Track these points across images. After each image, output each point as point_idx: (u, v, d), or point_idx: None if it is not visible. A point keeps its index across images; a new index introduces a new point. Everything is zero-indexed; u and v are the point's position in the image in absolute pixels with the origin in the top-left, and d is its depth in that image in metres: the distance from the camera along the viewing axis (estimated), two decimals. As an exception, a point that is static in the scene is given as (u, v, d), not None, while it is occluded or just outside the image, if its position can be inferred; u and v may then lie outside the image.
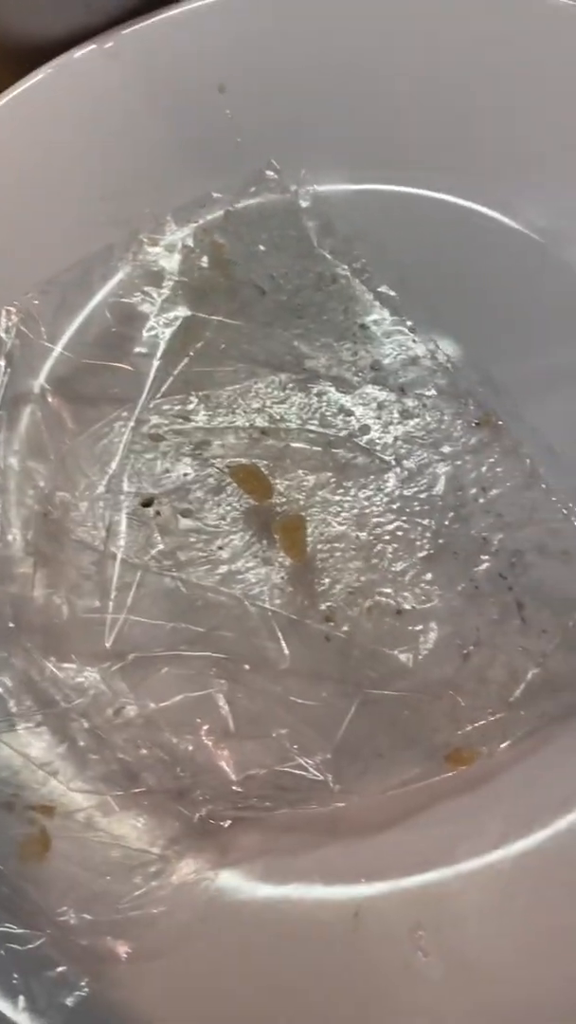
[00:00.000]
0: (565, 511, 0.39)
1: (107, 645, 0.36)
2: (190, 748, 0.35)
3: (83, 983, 0.32)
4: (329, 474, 0.40)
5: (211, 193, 0.46)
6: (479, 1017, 0.32)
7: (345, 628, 0.37)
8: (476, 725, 0.36)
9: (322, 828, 0.36)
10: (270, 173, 0.46)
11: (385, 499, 0.40)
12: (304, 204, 0.45)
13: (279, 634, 0.36)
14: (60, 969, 0.33)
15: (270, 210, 0.45)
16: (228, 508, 0.40)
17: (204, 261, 0.44)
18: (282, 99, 0.46)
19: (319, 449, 0.41)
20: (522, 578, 0.38)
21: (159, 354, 0.42)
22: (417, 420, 0.41)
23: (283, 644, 0.36)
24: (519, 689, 0.36)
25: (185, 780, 0.34)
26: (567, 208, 0.44)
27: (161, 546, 0.38)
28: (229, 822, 0.35)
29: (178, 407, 0.41)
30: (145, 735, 0.36)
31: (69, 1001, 0.32)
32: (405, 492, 0.40)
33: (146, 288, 0.43)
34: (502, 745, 0.35)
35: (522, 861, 0.34)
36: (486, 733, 0.36)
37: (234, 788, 0.34)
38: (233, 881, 0.35)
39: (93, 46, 0.45)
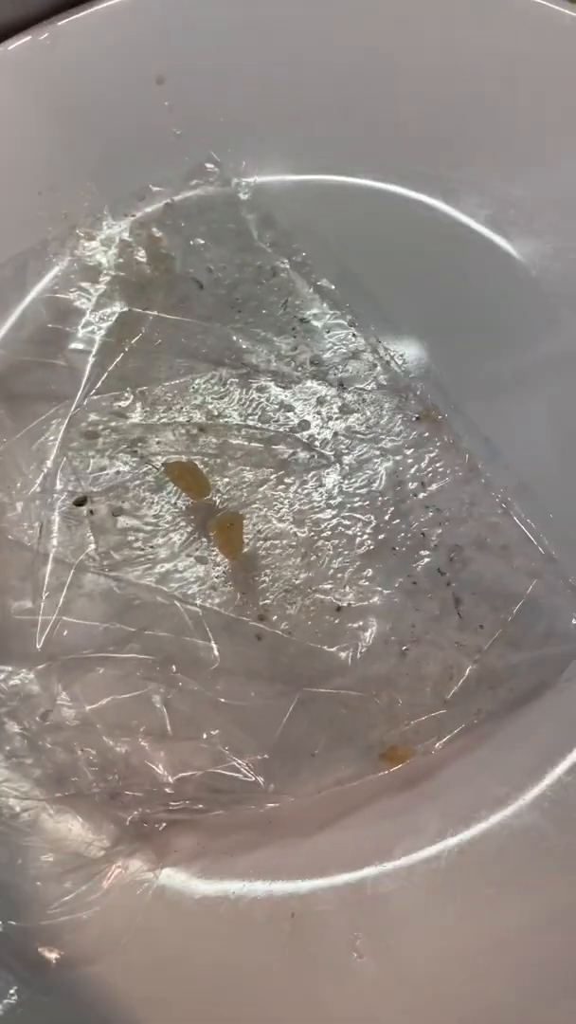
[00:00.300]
0: (504, 506, 0.39)
1: (38, 647, 0.35)
2: (124, 750, 0.35)
3: (12, 991, 0.32)
4: (269, 470, 0.40)
5: (150, 186, 0.45)
6: (410, 1016, 0.32)
7: (284, 626, 0.37)
8: (413, 723, 0.35)
9: (258, 829, 0.35)
10: (210, 166, 0.45)
11: (325, 495, 0.39)
12: (244, 197, 0.45)
13: (209, 634, 0.35)
14: (-12, 977, 0.32)
15: (209, 203, 0.45)
16: (166, 506, 0.39)
17: (141, 255, 0.43)
18: (222, 90, 0.45)
19: (259, 445, 0.40)
20: (461, 573, 0.38)
21: (95, 350, 0.41)
22: (357, 415, 0.41)
23: (213, 644, 0.35)
24: (455, 686, 0.36)
25: (117, 783, 0.34)
26: (510, 198, 0.44)
27: (95, 545, 0.37)
28: (164, 825, 0.35)
29: (114, 404, 0.40)
30: (79, 738, 0.35)
31: (-2, 1009, 0.32)
32: (345, 488, 0.40)
33: (82, 283, 0.43)
34: (438, 744, 0.35)
35: (458, 859, 0.34)
36: (422, 731, 0.35)
37: (166, 790, 0.34)
38: (169, 884, 0.35)
39: (28, 38, 0.44)
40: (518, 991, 0.33)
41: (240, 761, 0.34)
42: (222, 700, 0.35)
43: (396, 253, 0.44)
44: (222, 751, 0.35)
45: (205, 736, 0.34)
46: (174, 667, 0.35)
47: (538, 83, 0.43)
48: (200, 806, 0.34)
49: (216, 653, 0.35)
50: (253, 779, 0.34)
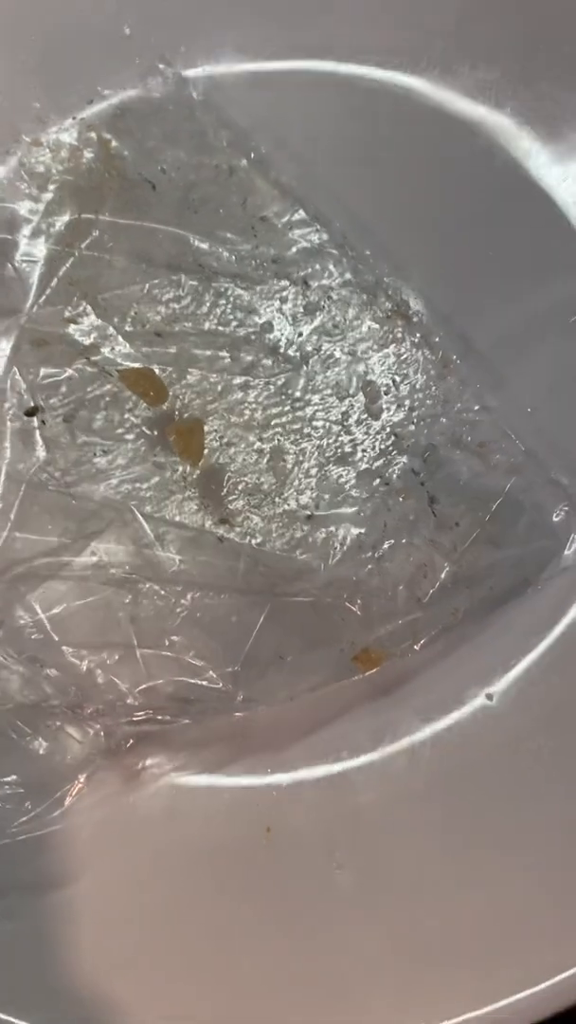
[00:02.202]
0: (481, 402, 0.37)
1: (-10, 561, 0.34)
2: (85, 664, 0.33)
3: (-28, 914, 0.30)
4: (232, 376, 0.38)
5: (99, 89, 0.43)
6: (392, 926, 0.30)
7: (255, 538, 0.35)
8: (387, 627, 0.34)
9: (231, 742, 0.34)
10: (162, 66, 0.43)
11: (291, 399, 0.38)
12: (198, 96, 0.42)
13: (171, 545, 0.34)
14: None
15: (161, 104, 0.42)
16: (122, 416, 0.37)
17: (91, 159, 0.41)
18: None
19: (222, 352, 0.38)
20: (436, 473, 0.36)
21: (42, 259, 0.39)
22: (323, 314, 0.39)
23: (175, 555, 0.34)
24: (432, 587, 0.34)
25: (76, 695, 0.32)
26: (480, 83, 0.41)
27: (46, 457, 0.36)
28: (131, 741, 0.33)
29: (65, 311, 0.38)
30: (37, 650, 0.33)
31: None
32: (312, 391, 0.38)
33: (30, 191, 0.40)
34: (415, 645, 0.33)
35: (437, 764, 0.33)
36: (398, 634, 0.34)
37: (129, 701, 0.32)
38: (140, 802, 0.34)
39: None
40: (501, 896, 0.31)
41: (208, 670, 0.32)
42: (188, 610, 0.33)
43: (362, 144, 0.41)
44: (189, 661, 0.33)
45: (169, 643, 0.33)
46: (135, 576, 0.33)
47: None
48: (166, 717, 0.32)
49: (179, 563, 0.34)
50: (222, 687, 0.32)
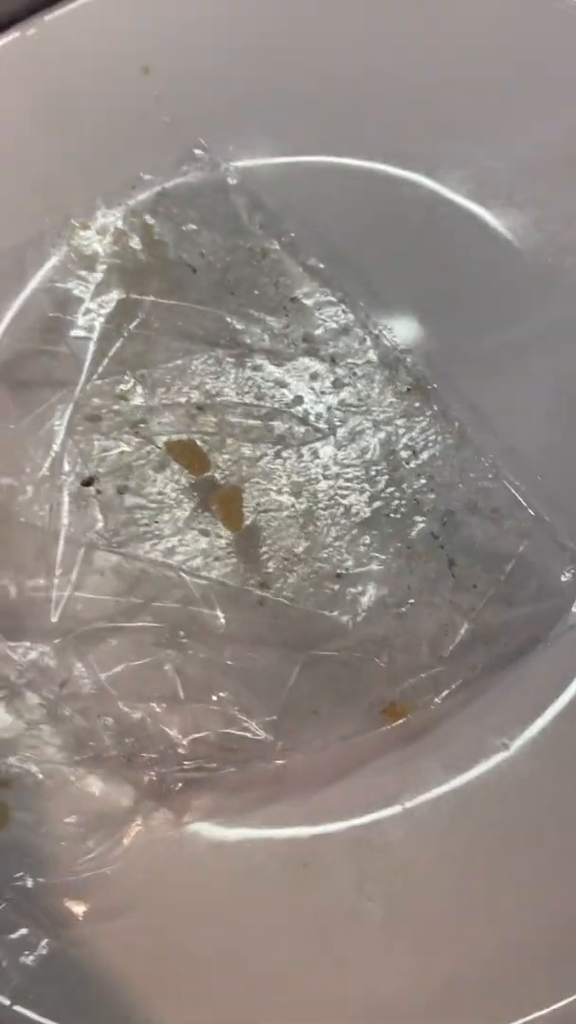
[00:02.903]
0: (494, 471, 0.40)
1: (53, 620, 0.37)
2: (139, 716, 0.37)
3: (43, 943, 0.34)
4: (267, 445, 0.41)
5: (141, 175, 0.46)
6: (419, 956, 0.34)
7: (287, 594, 0.39)
8: (411, 680, 0.37)
9: (270, 786, 0.37)
10: (199, 152, 0.47)
11: (321, 467, 0.41)
12: (232, 181, 0.46)
13: (215, 603, 0.37)
14: (20, 932, 0.34)
15: (199, 189, 0.46)
16: (169, 483, 0.41)
17: (136, 242, 0.44)
18: (207, 77, 0.46)
19: (256, 422, 0.42)
20: (454, 537, 0.40)
21: (95, 336, 0.42)
22: (349, 388, 0.42)
23: (219, 612, 0.37)
24: (452, 643, 0.38)
25: (133, 746, 0.36)
26: (490, 171, 0.45)
27: (103, 523, 0.39)
28: (180, 785, 0.37)
29: (116, 387, 0.42)
30: (96, 705, 0.37)
31: (30, 961, 0.34)
32: (340, 459, 0.41)
33: (80, 272, 0.44)
34: (437, 698, 0.37)
35: (460, 807, 0.36)
36: (421, 687, 0.37)
37: (180, 751, 0.36)
38: (187, 841, 0.37)
39: (16, 34, 0.45)
40: (522, 931, 0.35)
41: (250, 721, 0.36)
42: (230, 664, 0.37)
43: (382, 230, 0.45)
44: (232, 713, 0.36)
45: (215, 699, 0.36)
46: (182, 634, 0.37)
47: (514, 58, 0.44)
48: (213, 765, 0.36)
49: (222, 620, 0.37)
50: (263, 737, 0.36)
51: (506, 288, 0.43)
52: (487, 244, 0.44)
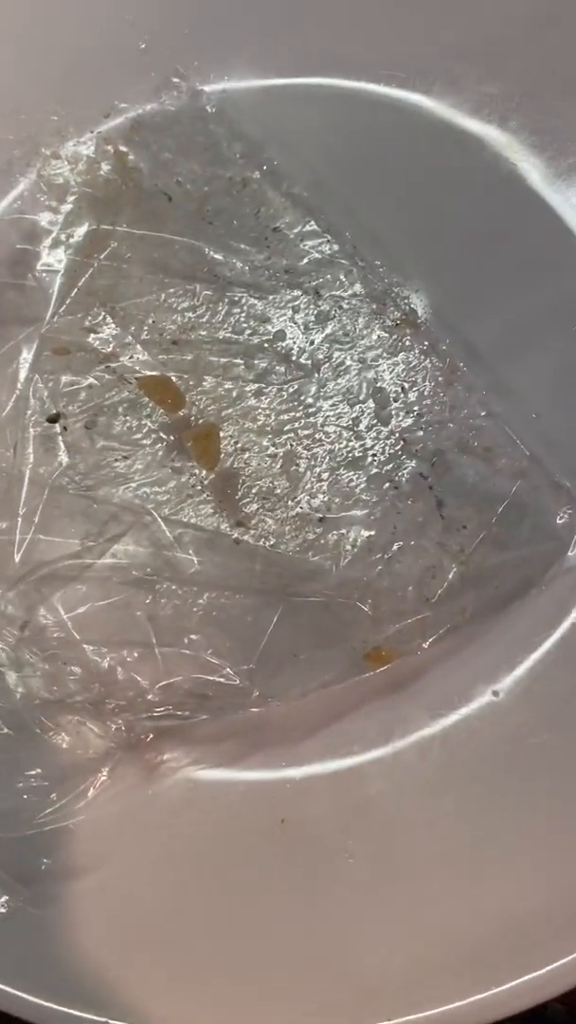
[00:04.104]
0: (486, 409, 0.38)
1: (16, 562, 0.35)
2: (107, 662, 0.35)
3: (2, 900, 0.32)
4: (246, 383, 0.39)
5: (116, 103, 0.44)
6: (405, 916, 0.32)
7: (268, 540, 0.36)
8: (397, 625, 0.35)
9: (246, 736, 0.35)
10: (176, 80, 0.44)
11: (303, 405, 0.39)
12: (211, 109, 0.43)
13: (190, 546, 0.35)
14: (-22, 888, 0.32)
15: (176, 117, 0.43)
16: (140, 422, 0.38)
17: (108, 171, 0.42)
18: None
19: (235, 359, 0.40)
20: (443, 477, 0.37)
21: (63, 268, 0.40)
22: (334, 323, 0.40)
23: (193, 556, 0.35)
24: (440, 588, 0.35)
25: (100, 692, 0.33)
26: (483, 97, 0.42)
27: (68, 462, 0.37)
28: (151, 735, 0.35)
29: (85, 321, 0.39)
30: (61, 649, 0.35)
31: (-11, 919, 0.32)
32: (324, 397, 0.39)
33: (49, 203, 0.42)
34: (424, 644, 0.35)
35: (446, 757, 0.34)
36: (407, 632, 0.35)
37: (150, 697, 0.33)
38: (157, 794, 0.35)
39: (-19, -48, 0.43)
40: (511, 885, 0.33)
41: (224, 667, 0.34)
42: (203, 607, 0.35)
43: (372, 157, 0.43)
44: (206, 658, 0.34)
45: (187, 641, 0.34)
46: (154, 575, 0.35)
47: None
48: (186, 712, 0.34)
49: (197, 564, 0.35)
50: (238, 683, 0.34)
51: (499, 215, 0.41)
52: (486, 167, 0.41)
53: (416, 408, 0.39)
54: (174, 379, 0.39)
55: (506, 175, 0.42)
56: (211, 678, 0.34)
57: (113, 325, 0.40)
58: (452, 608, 0.35)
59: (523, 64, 0.41)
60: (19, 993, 0.31)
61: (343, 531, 0.37)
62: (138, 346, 0.39)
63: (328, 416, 0.39)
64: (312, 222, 0.41)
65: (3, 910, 0.32)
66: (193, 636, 0.35)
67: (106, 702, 0.33)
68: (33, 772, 0.34)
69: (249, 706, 0.34)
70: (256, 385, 0.39)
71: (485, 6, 0.42)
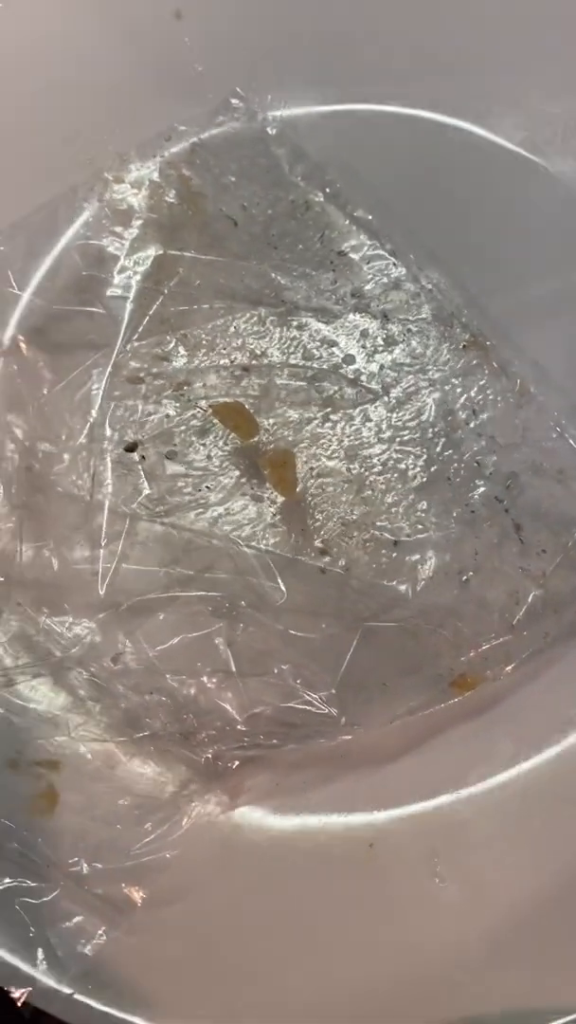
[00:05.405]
0: (559, 430, 0.38)
1: (100, 593, 0.35)
2: (192, 691, 0.35)
3: (100, 931, 0.32)
4: (316, 408, 0.39)
5: (175, 126, 0.44)
6: (495, 937, 0.32)
7: (341, 562, 0.37)
8: (479, 650, 0.35)
9: (332, 763, 0.35)
10: (235, 101, 0.44)
11: (374, 429, 0.39)
12: (272, 131, 0.43)
13: (275, 571, 0.35)
14: (76, 919, 0.32)
15: (237, 139, 0.43)
16: (214, 449, 0.39)
17: (172, 196, 0.42)
18: (242, 21, 0.44)
19: (304, 383, 0.40)
20: (518, 500, 0.38)
21: (132, 295, 0.40)
22: (402, 346, 0.40)
23: (279, 581, 0.35)
24: (521, 611, 0.36)
25: (189, 722, 0.34)
26: (546, 117, 0.42)
27: (148, 491, 0.37)
28: (237, 763, 0.35)
29: (156, 348, 0.40)
30: (147, 681, 0.35)
31: (87, 950, 0.32)
32: (394, 421, 0.39)
33: (114, 228, 0.42)
34: (507, 668, 0.35)
35: (534, 782, 0.34)
36: (490, 657, 0.35)
37: (239, 728, 0.34)
38: (246, 821, 0.35)
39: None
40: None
41: (312, 695, 0.34)
42: (290, 632, 0.35)
43: (431, 180, 0.43)
44: (292, 685, 0.35)
45: (275, 671, 0.34)
46: (243, 604, 0.35)
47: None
48: (273, 741, 0.34)
49: (283, 589, 0.35)
50: (326, 711, 0.34)
51: (564, 236, 0.41)
52: (542, 192, 0.42)
53: (488, 430, 0.39)
54: (246, 405, 0.39)
55: (566, 197, 0.42)
56: (299, 706, 0.34)
57: (184, 352, 0.40)
58: (534, 632, 0.35)
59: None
60: (120, 1014, 0.31)
61: (418, 555, 0.37)
62: (210, 373, 0.39)
63: (399, 440, 0.39)
64: (377, 245, 0.41)
65: (103, 939, 0.32)
66: (278, 663, 0.35)
67: (198, 733, 0.33)
68: (124, 802, 0.34)
69: (336, 734, 0.34)
70: (326, 409, 0.39)
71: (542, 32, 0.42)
